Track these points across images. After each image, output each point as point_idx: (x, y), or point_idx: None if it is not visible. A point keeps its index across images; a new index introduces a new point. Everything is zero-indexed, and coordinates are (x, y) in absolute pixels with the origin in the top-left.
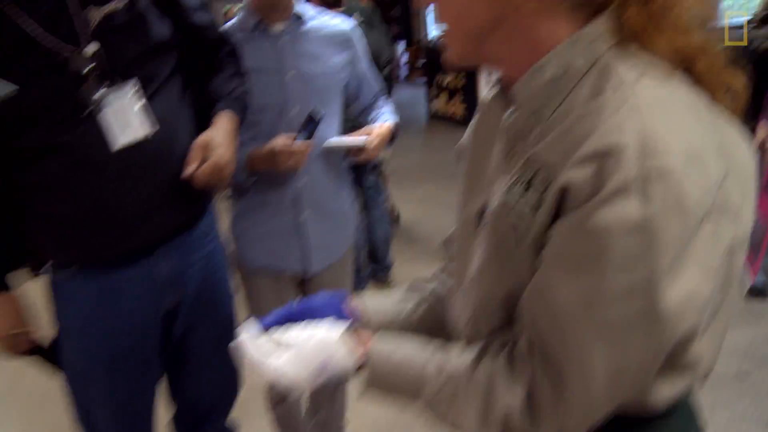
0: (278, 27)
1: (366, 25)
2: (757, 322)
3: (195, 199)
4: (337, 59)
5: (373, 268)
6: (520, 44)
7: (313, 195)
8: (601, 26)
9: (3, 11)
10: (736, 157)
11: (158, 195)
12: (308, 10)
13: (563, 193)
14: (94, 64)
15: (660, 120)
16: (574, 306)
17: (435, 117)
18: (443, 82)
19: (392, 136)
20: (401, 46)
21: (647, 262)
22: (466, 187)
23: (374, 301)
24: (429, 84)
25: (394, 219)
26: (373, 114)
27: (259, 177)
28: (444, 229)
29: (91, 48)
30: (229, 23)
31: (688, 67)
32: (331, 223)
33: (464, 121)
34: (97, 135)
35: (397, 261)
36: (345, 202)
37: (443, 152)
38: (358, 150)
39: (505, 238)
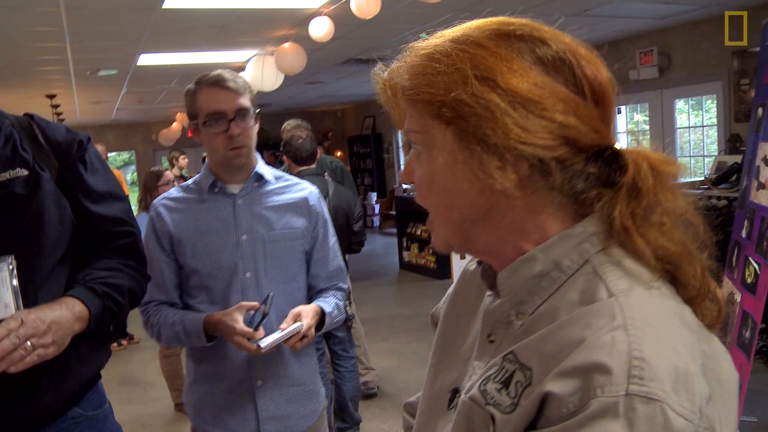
0: (235, 187)
1: (336, 181)
2: None
3: (56, 395)
4: (296, 225)
5: (340, 425)
6: (507, 237)
7: (269, 364)
8: (590, 227)
9: None
10: (719, 376)
11: (8, 389)
12: (268, 172)
13: (543, 402)
14: None
15: (648, 342)
16: None
17: (407, 267)
18: (415, 232)
19: (322, 321)
20: (374, 196)
21: None
22: (437, 360)
23: None
24: (401, 234)
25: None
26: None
27: (215, 343)
28: (415, 383)
29: None
30: (189, 182)
31: (672, 271)
32: (289, 394)
33: (435, 273)
34: None
35: (365, 416)
36: (307, 373)
37: (414, 303)
38: (298, 337)
39: (477, 430)
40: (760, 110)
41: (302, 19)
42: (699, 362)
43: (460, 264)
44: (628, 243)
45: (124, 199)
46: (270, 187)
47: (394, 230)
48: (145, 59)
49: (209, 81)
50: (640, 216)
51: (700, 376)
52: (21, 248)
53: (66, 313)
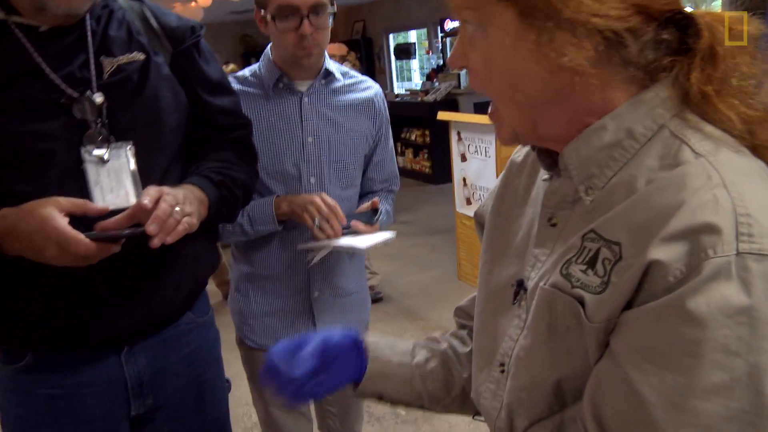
0: (302, 84)
1: None
2: None
3: (176, 292)
4: (361, 128)
5: None
6: (575, 117)
7: (326, 275)
8: (662, 92)
9: (16, 37)
10: None
11: (131, 284)
12: (336, 69)
13: (646, 273)
14: (98, 116)
15: (749, 198)
16: (663, 403)
17: (401, 172)
18: (410, 137)
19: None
20: None
21: (751, 354)
22: (490, 257)
23: (388, 340)
24: (395, 139)
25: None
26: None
27: (270, 250)
28: (415, 287)
29: (97, 98)
30: (245, 73)
31: (749, 136)
32: (343, 305)
33: (431, 178)
34: (80, 192)
35: (369, 319)
36: (359, 283)
37: (410, 209)
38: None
39: (561, 318)
40: None
41: None
42: None
43: (461, 167)
44: (708, 110)
45: (234, 91)
46: (338, 85)
47: None
48: None
49: None
50: (718, 82)
51: None
52: (138, 138)
53: (189, 194)
